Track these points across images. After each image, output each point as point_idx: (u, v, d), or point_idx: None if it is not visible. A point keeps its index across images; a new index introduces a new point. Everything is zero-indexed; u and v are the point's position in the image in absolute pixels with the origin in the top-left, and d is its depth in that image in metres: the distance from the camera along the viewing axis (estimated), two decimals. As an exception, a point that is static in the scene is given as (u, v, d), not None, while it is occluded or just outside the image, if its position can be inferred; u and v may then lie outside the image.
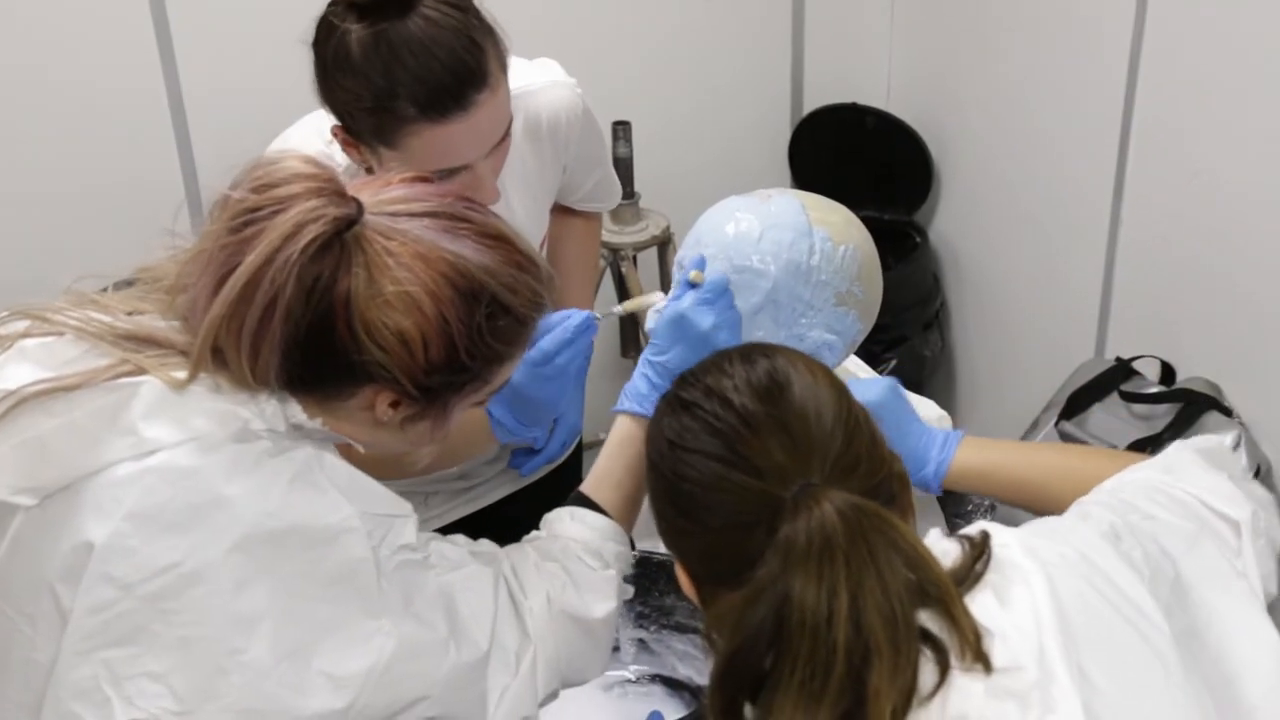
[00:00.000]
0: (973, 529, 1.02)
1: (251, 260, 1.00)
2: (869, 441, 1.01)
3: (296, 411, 1.08)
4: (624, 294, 2.54)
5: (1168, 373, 2.10)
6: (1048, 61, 2.33)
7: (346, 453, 1.15)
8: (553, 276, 1.14)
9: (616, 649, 1.52)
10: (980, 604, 0.95)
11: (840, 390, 1.03)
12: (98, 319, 1.08)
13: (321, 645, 1.01)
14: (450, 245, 1.05)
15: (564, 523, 1.24)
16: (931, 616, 0.93)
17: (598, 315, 1.40)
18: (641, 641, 1.52)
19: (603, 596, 1.19)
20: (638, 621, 1.51)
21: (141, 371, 1.04)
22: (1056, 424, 2.10)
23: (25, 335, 1.08)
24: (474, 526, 1.68)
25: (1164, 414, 2.01)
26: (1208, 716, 0.95)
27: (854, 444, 0.99)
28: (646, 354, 1.27)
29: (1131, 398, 2.06)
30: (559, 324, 1.37)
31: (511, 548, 1.21)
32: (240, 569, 0.99)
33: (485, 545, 1.20)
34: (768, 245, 1.30)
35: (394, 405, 1.09)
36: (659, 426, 1.06)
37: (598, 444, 2.80)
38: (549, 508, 1.30)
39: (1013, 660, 0.91)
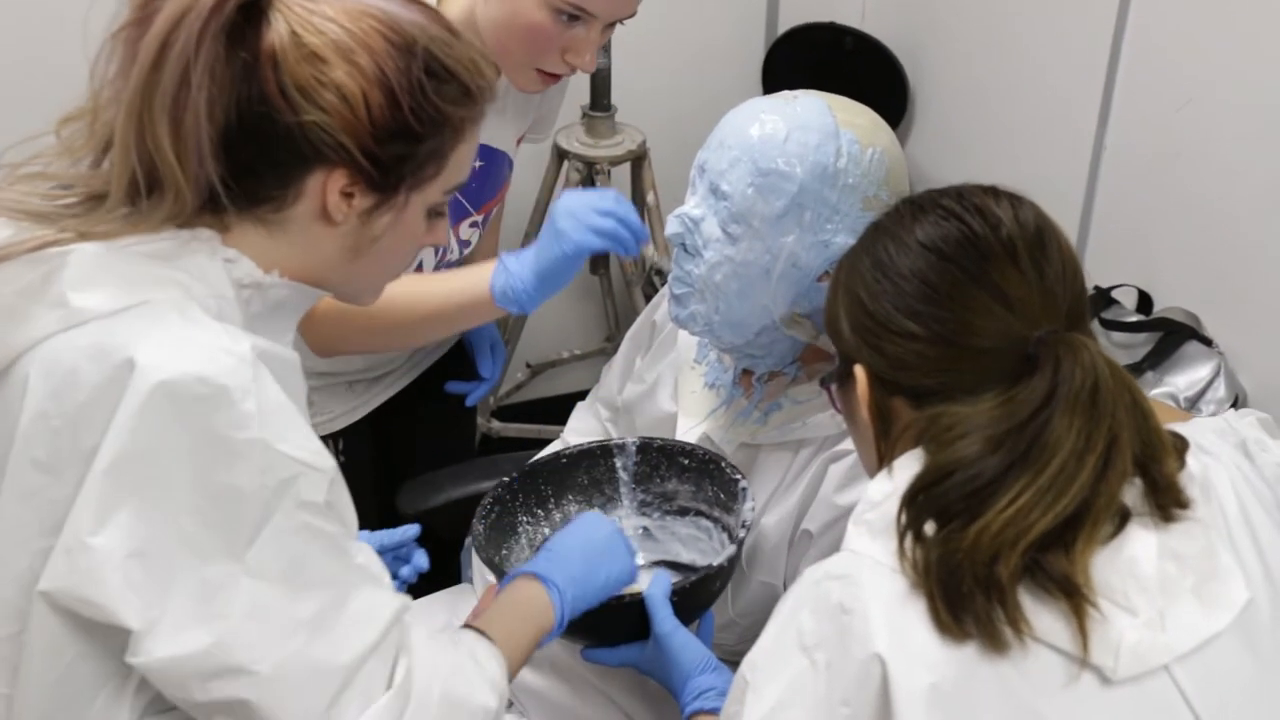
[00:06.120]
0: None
1: (158, 24, 0.93)
2: (1085, 294, 1.05)
3: (248, 269, 1.01)
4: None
5: (1145, 301, 2.11)
6: (1035, -17, 2.30)
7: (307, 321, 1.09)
8: (493, 62, 1.07)
9: None
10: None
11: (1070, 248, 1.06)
12: (34, 194, 1.00)
13: (170, 558, 0.91)
14: (376, 2, 1.00)
15: (461, 631, 1.16)
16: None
17: None
18: (645, 530, 1.50)
19: (488, 689, 1.07)
20: (641, 510, 1.50)
21: (74, 239, 0.96)
22: (1035, 350, 2.10)
23: None
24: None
25: (1143, 343, 2.02)
26: None
27: (1082, 297, 1.03)
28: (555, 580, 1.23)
29: (1111, 325, 2.07)
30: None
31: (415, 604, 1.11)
32: (127, 441, 0.90)
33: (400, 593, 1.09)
34: (793, 147, 1.26)
35: (348, 196, 1.01)
36: (906, 226, 1.04)
37: (560, 361, 2.78)
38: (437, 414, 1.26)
39: (1187, 528, 0.97)
